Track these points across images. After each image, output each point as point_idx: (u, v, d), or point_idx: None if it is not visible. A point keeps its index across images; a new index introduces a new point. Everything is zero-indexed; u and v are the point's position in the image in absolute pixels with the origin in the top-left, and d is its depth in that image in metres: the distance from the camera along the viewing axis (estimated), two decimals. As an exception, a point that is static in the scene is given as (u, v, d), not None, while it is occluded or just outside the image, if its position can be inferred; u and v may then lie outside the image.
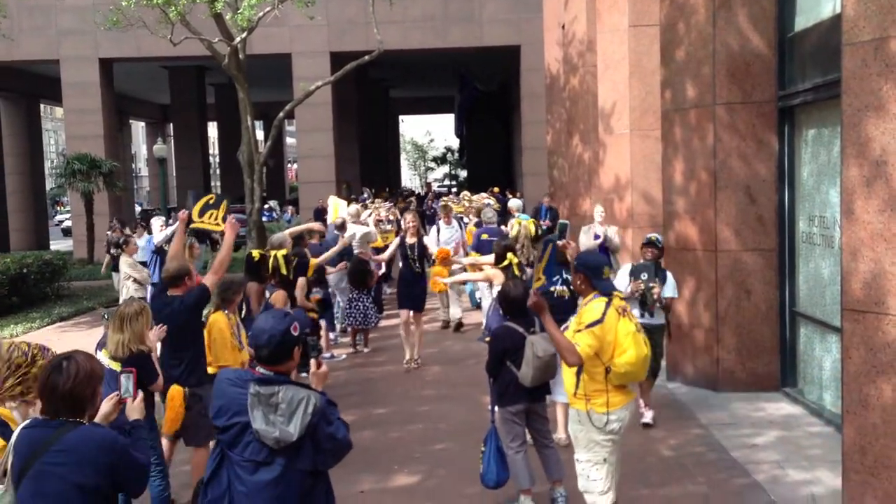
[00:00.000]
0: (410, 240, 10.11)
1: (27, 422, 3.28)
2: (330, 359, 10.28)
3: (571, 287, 6.90)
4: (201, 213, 7.02)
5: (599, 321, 4.45)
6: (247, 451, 3.26)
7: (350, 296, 10.64)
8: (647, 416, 7.33)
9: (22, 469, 3.11)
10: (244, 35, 15.36)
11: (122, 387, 3.52)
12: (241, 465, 3.27)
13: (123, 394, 3.51)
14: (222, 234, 7.05)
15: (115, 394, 3.48)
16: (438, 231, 12.70)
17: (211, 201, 7.05)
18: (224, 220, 6.87)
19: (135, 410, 3.54)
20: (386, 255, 10.93)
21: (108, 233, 17.32)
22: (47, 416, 3.19)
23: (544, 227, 13.64)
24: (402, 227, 11.12)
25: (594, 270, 4.66)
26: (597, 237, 10.36)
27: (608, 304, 4.51)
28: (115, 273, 15.03)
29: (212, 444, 3.60)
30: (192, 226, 7.06)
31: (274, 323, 3.36)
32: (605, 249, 10.00)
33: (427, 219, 23.06)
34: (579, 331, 4.51)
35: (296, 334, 3.37)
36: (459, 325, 12.15)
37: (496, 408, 5.67)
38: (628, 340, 4.47)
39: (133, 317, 5.03)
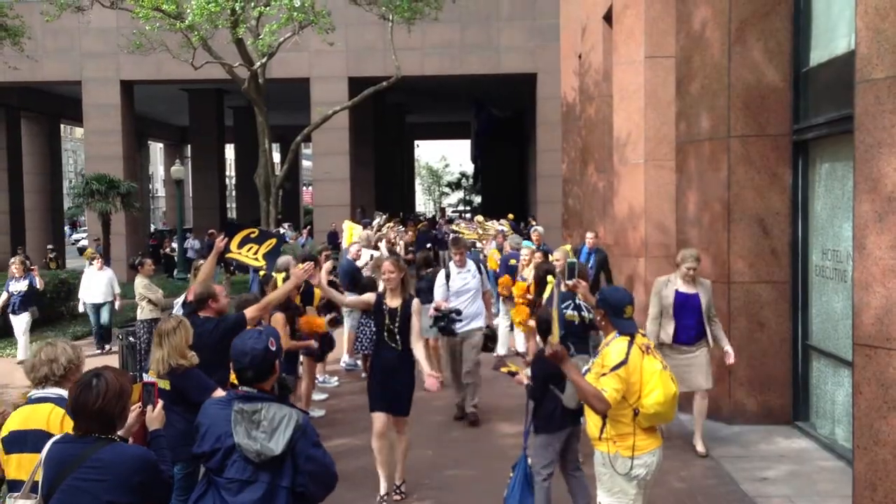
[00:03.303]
0: (392, 302, 6.40)
1: (58, 436, 3.37)
2: (323, 382, 10.31)
3: (582, 314, 6.88)
4: (241, 245, 7.06)
5: (624, 363, 4.25)
6: (231, 471, 3.32)
7: (359, 321, 10.65)
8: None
9: (53, 483, 3.18)
10: (264, 60, 15.58)
11: (143, 399, 3.58)
12: (226, 487, 3.33)
13: (144, 405, 3.57)
14: (256, 269, 7.06)
15: (137, 405, 3.53)
16: (448, 277, 8.82)
17: (253, 235, 7.07)
18: (266, 257, 6.89)
19: (154, 420, 3.59)
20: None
21: None
22: (78, 432, 3.26)
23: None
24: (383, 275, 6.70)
25: (615, 308, 4.44)
26: (681, 298, 7.29)
27: (631, 344, 4.32)
28: (14, 315, 12.69)
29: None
30: (228, 255, 7.07)
31: (253, 343, 3.44)
32: (698, 317, 7.32)
33: (438, 244, 23.00)
34: (604, 374, 4.30)
35: (274, 349, 3.46)
36: (475, 418, 8.61)
37: (538, 434, 5.50)
38: (655, 379, 4.27)
39: (171, 332, 5.07)
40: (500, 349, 11.94)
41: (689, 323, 7.31)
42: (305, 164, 56.04)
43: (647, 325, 7.43)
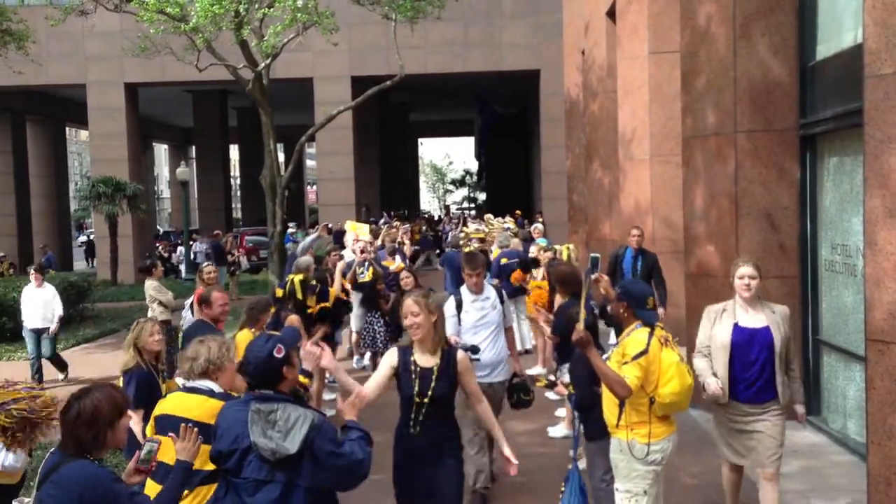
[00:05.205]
0: (424, 359, 4.48)
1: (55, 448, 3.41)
2: (332, 382, 10.33)
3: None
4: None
5: (644, 352, 4.45)
6: (248, 471, 3.35)
7: (365, 319, 10.67)
8: None
9: (38, 493, 3.26)
10: (268, 61, 15.58)
11: (144, 451, 3.50)
12: (243, 487, 3.36)
13: (142, 458, 3.47)
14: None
15: (134, 459, 3.49)
16: (459, 307, 6.29)
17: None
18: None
19: (131, 473, 3.48)
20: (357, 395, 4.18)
21: None
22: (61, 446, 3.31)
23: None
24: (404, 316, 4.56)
25: (638, 300, 4.62)
26: (741, 335, 5.17)
27: (651, 335, 4.52)
28: None
29: None
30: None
31: (256, 351, 3.49)
32: (766, 363, 5.17)
33: (441, 241, 22.93)
34: (625, 363, 4.48)
35: (280, 356, 3.46)
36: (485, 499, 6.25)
37: (592, 441, 5.35)
38: (672, 370, 4.46)
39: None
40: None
41: (750, 374, 5.16)
42: (309, 163, 56.17)
43: (696, 364, 5.29)
